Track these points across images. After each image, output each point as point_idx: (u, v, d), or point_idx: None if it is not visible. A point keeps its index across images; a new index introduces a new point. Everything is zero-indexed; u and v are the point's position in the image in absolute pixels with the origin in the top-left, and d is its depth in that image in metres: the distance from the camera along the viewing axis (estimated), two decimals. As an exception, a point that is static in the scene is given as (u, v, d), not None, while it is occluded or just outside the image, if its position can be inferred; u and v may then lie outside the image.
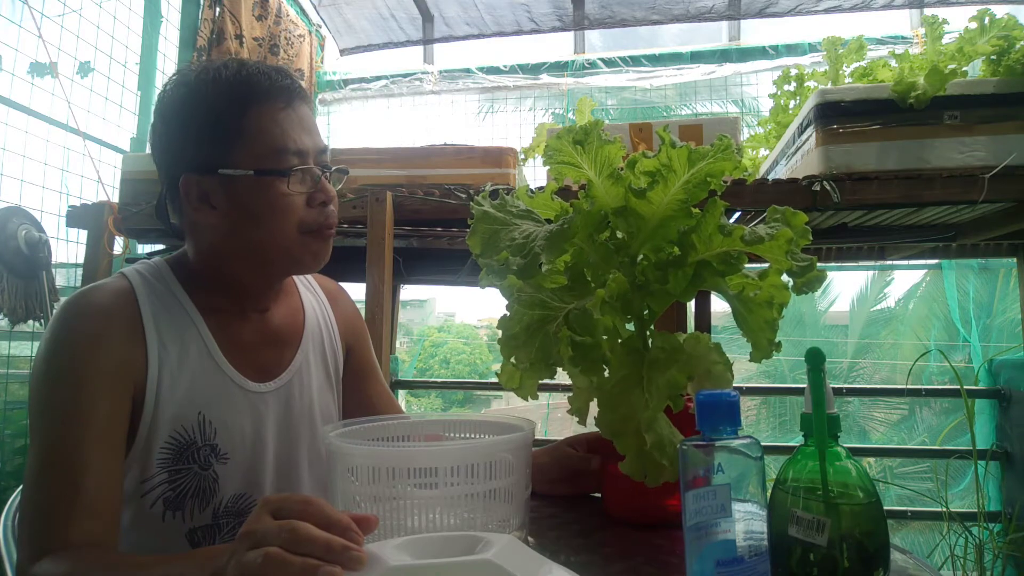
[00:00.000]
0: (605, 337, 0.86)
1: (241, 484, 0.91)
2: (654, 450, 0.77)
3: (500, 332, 0.86)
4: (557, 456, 1.06)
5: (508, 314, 0.85)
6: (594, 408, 0.92)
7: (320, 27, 3.48)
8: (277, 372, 0.97)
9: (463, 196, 1.71)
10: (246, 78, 0.87)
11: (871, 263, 3.29)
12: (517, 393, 0.93)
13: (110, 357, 0.81)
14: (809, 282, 0.79)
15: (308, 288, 1.08)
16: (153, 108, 0.92)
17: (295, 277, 1.06)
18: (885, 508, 0.60)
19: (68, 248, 2.13)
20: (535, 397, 0.93)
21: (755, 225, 0.82)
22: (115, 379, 0.81)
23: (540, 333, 0.80)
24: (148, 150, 0.94)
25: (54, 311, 0.85)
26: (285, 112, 0.88)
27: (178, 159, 0.88)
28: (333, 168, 0.94)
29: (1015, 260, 2.19)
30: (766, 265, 0.86)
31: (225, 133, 0.86)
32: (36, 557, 0.71)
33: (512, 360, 0.85)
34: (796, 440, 0.80)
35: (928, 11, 2.87)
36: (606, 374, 0.85)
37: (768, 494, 0.61)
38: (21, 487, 0.81)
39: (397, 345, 2.72)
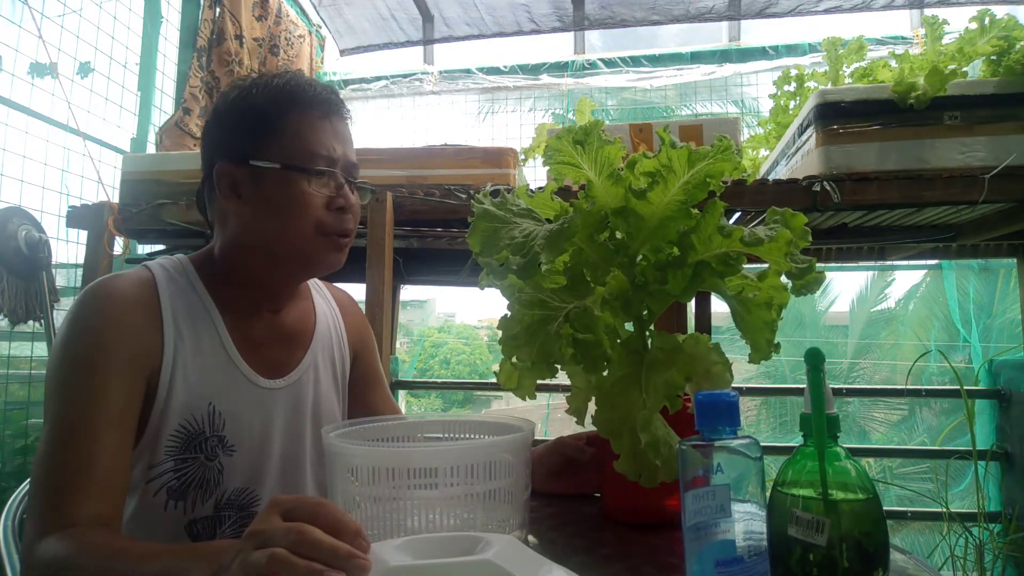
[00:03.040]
0: (606, 335, 0.86)
1: (245, 478, 0.93)
2: (648, 450, 0.77)
3: (501, 333, 0.86)
4: (555, 446, 1.09)
5: (509, 314, 0.85)
6: (591, 408, 0.93)
7: (320, 27, 3.48)
8: (287, 370, 0.99)
9: (463, 196, 1.71)
10: (293, 86, 0.93)
11: (871, 263, 3.29)
12: (515, 393, 0.93)
13: (128, 342, 0.83)
14: (808, 284, 0.79)
15: (321, 295, 1.12)
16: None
17: (309, 284, 1.10)
18: (885, 508, 0.60)
19: (68, 248, 2.13)
20: (532, 397, 0.93)
21: (755, 226, 0.82)
22: (132, 364, 0.83)
23: (541, 333, 0.80)
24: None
25: (76, 297, 0.87)
26: (321, 121, 0.93)
27: (216, 148, 0.94)
28: (359, 183, 0.98)
29: (1015, 260, 2.19)
30: (765, 266, 0.86)
31: (262, 129, 0.91)
32: (43, 534, 0.72)
33: (514, 360, 0.85)
34: (796, 440, 0.80)
35: (928, 11, 2.87)
36: (606, 372, 0.85)
37: (767, 494, 0.61)
38: (28, 480, 0.82)
39: (397, 345, 2.72)
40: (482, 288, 0.96)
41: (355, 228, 0.97)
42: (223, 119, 0.95)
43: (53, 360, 0.83)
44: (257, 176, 0.91)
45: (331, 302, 1.13)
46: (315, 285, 1.12)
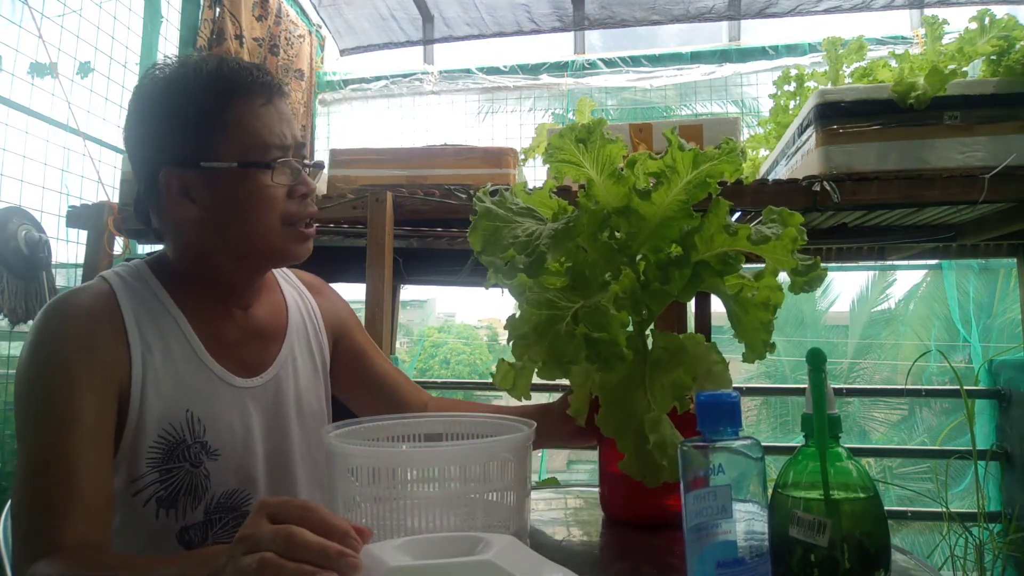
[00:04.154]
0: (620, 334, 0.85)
1: (233, 480, 0.91)
2: (656, 451, 0.77)
3: (509, 333, 0.85)
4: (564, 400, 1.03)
5: (517, 314, 0.85)
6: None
7: (320, 27, 3.48)
8: (263, 367, 0.97)
9: (463, 196, 1.71)
10: (228, 73, 0.87)
11: (871, 263, 3.29)
12: (510, 393, 0.93)
13: (95, 358, 0.81)
14: (811, 281, 0.79)
15: (289, 283, 1.08)
16: (128, 103, 0.91)
17: (276, 274, 1.06)
18: (885, 508, 0.60)
19: (68, 248, 2.13)
20: (528, 397, 0.93)
21: (755, 225, 0.82)
22: (100, 380, 0.81)
23: (550, 332, 0.80)
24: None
25: (36, 316, 0.84)
26: (266, 107, 0.88)
27: (157, 154, 0.87)
28: (311, 164, 0.94)
29: (1015, 260, 2.19)
30: (759, 266, 0.86)
31: (207, 127, 0.85)
32: (31, 560, 0.71)
33: (524, 360, 0.85)
34: (797, 440, 0.80)
35: (928, 11, 2.87)
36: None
37: (769, 495, 0.61)
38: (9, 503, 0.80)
39: (397, 345, 2.72)
40: (488, 288, 0.96)
41: (316, 211, 0.94)
42: (156, 119, 0.87)
43: (20, 383, 0.81)
44: (211, 177, 0.86)
45: (301, 289, 1.09)
46: (282, 274, 1.08)
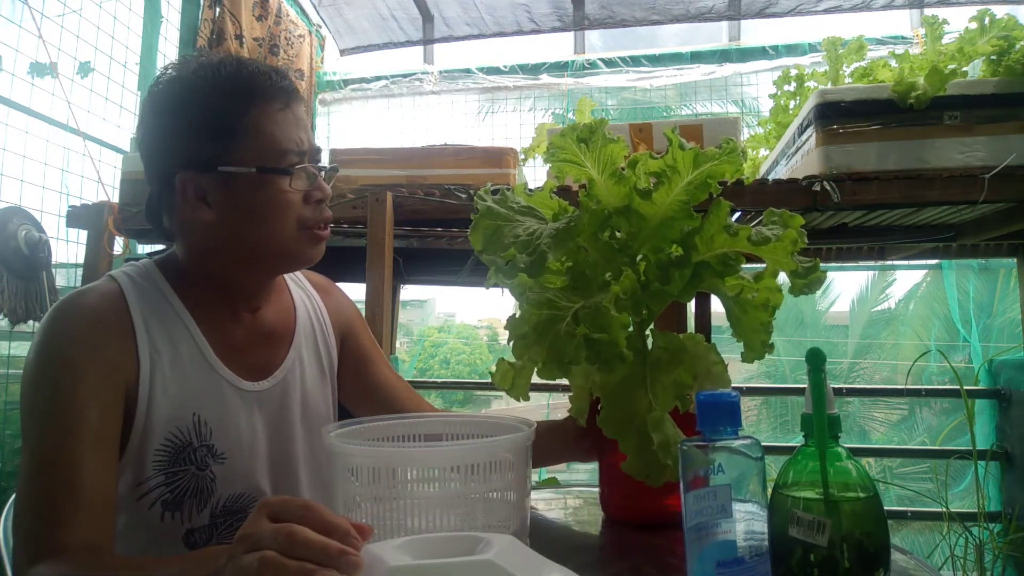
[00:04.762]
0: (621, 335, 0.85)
1: (239, 484, 0.91)
2: (660, 451, 0.77)
3: (509, 332, 0.85)
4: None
5: (517, 314, 0.85)
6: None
7: (320, 27, 3.48)
8: (271, 371, 0.96)
9: (463, 196, 1.71)
10: (247, 77, 0.86)
11: (871, 263, 3.29)
12: (509, 393, 0.93)
13: (102, 360, 0.81)
14: (811, 283, 0.79)
15: (298, 284, 1.08)
16: (142, 102, 0.91)
17: (285, 275, 1.06)
18: (885, 508, 0.60)
19: (68, 248, 2.13)
20: (526, 398, 0.93)
21: (755, 226, 0.82)
22: (107, 382, 0.80)
23: (550, 332, 0.80)
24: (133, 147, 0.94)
25: (45, 315, 0.84)
26: (284, 112, 0.88)
27: (173, 156, 0.86)
28: (327, 168, 0.95)
29: (1015, 260, 2.19)
30: (759, 267, 0.86)
31: (225, 131, 0.85)
32: (32, 561, 0.71)
33: (524, 360, 0.84)
34: (797, 440, 0.80)
35: (928, 11, 2.87)
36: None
37: (769, 495, 0.61)
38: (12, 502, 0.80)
39: (397, 345, 2.72)
40: (488, 288, 0.96)
41: (331, 215, 0.94)
42: (173, 121, 0.86)
43: (27, 384, 0.80)
44: (228, 182, 0.85)
45: (308, 289, 1.08)
46: (291, 275, 1.07)
